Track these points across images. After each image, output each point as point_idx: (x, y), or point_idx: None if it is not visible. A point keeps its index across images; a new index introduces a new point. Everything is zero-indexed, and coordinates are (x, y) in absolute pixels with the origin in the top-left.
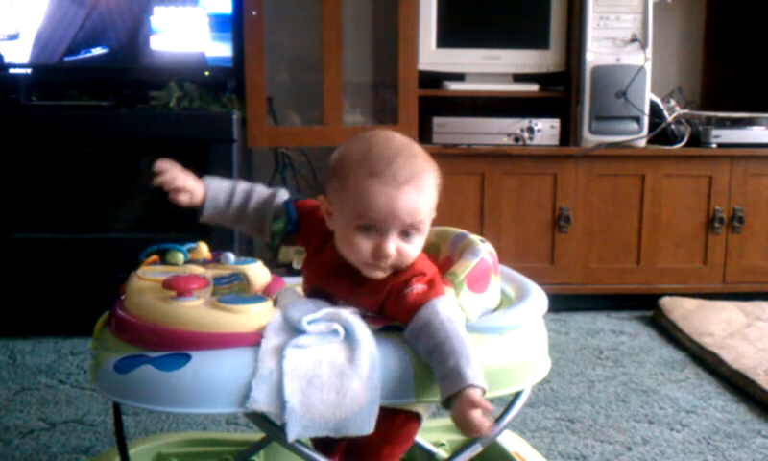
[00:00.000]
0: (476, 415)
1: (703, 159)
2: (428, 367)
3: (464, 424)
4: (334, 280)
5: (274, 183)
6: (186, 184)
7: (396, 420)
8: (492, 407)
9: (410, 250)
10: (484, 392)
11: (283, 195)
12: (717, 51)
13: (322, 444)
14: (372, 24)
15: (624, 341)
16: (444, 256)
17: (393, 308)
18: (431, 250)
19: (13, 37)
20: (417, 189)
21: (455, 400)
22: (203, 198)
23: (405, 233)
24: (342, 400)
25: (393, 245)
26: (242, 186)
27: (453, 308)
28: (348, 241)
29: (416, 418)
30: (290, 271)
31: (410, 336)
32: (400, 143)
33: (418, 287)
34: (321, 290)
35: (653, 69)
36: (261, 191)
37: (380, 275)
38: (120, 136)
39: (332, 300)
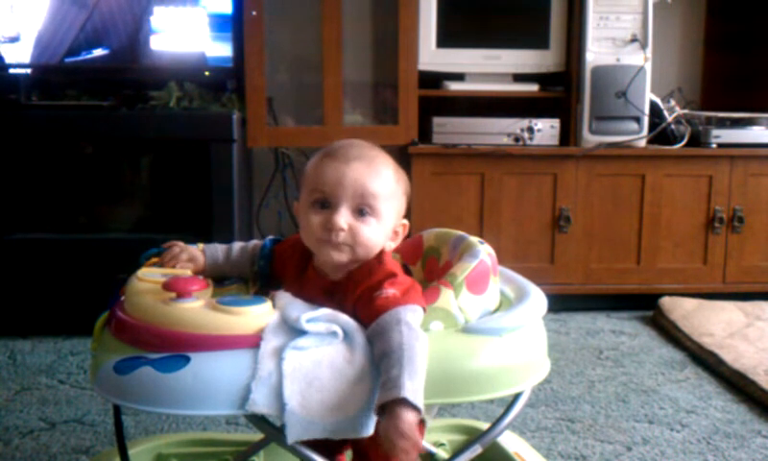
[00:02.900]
0: (402, 443)
1: (703, 159)
2: (427, 368)
3: (387, 445)
4: (314, 296)
5: (274, 184)
6: (189, 257)
7: None
8: (421, 446)
9: (365, 230)
10: (419, 413)
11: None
12: (717, 51)
13: (322, 446)
14: (371, 24)
15: (624, 341)
16: (444, 261)
17: (362, 311)
18: (431, 254)
19: (14, 39)
20: (367, 166)
21: (386, 413)
22: (204, 263)
23: (359, 212)
24: (341, 402)
25: (343, 218)
26: (237, 244)
27: (418, 323)
28: (305, 222)
29: (422, 422)
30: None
31: (369, 338)
32: (365, 142)
33: (389, 291)
34: None
35: (653, 69)
36: (253, 244)
37: (336, 256)
38: (120, 136)
39: None
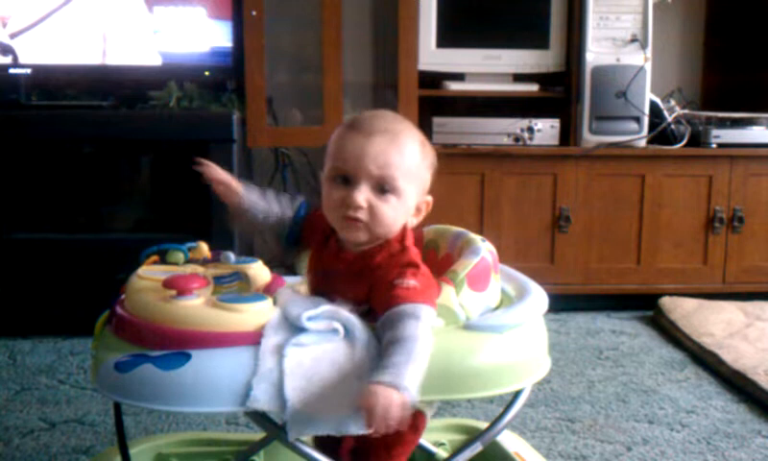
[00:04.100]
0: (382, 424)
1: (703, 159)
2: (428, 365)
3: (367, 418)
4: (331, 270)
5: (274, 184)
6: (225, 178)
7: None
8: (404, 426)
9: (385, 209)
10: (406, 406)
11: (303, 205)
12: (717, 51)
13: (323, 443)
14: (372, 24)
15: (624, 341)
16: (443, 253)
17: (378, 294)
18: (431, 246)
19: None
20: (390, 141)
21: (377, 392)
22: (238, 195)
23: (380, 189)
24: (342, 399)
25: (362, 195)
26: (273, 195)
27: (430, 326)
28: (326, 196)
29: (421, 418)
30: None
31: (381, 325)
32: (390, 114)
33: (410, 282)
34: (321, 294)
35: (653, 69)
36: (288, 203)
37: (354, 234)
38: (120, 136)
39: (331, 299)
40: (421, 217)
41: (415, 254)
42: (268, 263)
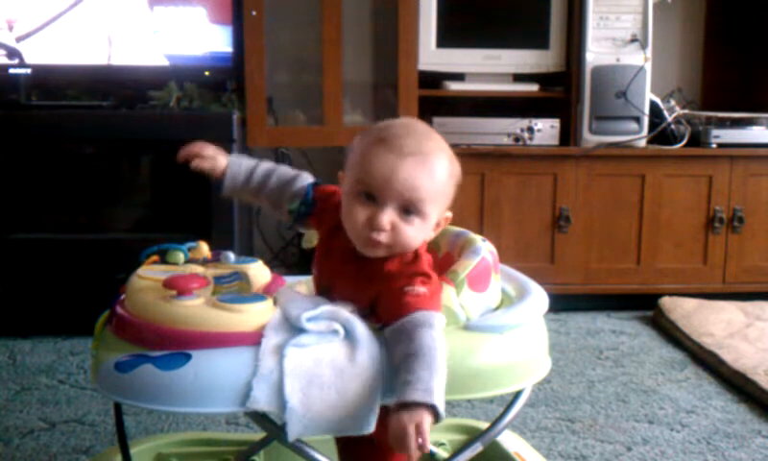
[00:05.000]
0: (414, 444)
1: (703, 159)
2: None
3: (397, 443)
4: (340, 267)
5: None
6: (209, 152)
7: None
8: (428, 448)
9: (408, 231)
10: (437, 420)
11: (307, 178)
12: (717, 51)
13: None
14: (372, 24)
15: (624, 341)
16: (444, 252)
17: (387, 300)
18: (431, 246)
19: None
20: (420, 165)
21: (407, 410)
22: (224, 169)
23: (405, 211)
24: (342, 400)
25: (387, 217)
26: (265, 164)
27: (442, 333)
28: (348, 210)
29: None
30: (292, 269)
31: (393, 333)
32: (421, 127)
33: (420, 289)
34: (327, 288)
35: (653, 69)
36: (284, 171)
37: (374, 253)
38: (120, 136)
39: (332, 297)
40: (439, 231)
41: (427, 261)
42: (268, 263)
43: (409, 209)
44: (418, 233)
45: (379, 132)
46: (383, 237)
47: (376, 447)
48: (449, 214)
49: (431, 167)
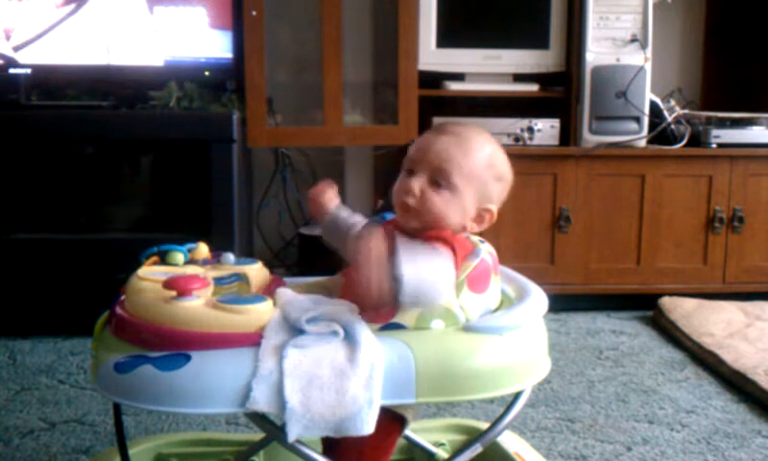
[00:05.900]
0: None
1: (703, 159)
2: (428, 366)
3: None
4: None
5: (274, 184)
6: (324, 198)
7: (380, 423)
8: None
9: (435, 199)
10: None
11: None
12: (717, 51)
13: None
14: (372, 24)
15: (624, 341)
16: None
17: None
18: None
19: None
20: (455, 141)
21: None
22: (327, 215)
23: (435, 182)
24: (342, 400)
25: (417, 183)
26: (358, 217)
27: (450, 265)
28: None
29: (399, 421)
30: (292, 269)
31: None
32: (473, 126)
33: (434, 242)
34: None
35: (653, 69)
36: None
37: (406, 219)
38: (120, 136)
39: (332, 295)
40: (484, 226)
41: (455, 239)
42: (268, 264)
43: (439, 181)
44: (447, 207)
45: (438, 125)
46: (411, 201)
47: (362, 453)
48: (493, 208)
49: (465, 144)
